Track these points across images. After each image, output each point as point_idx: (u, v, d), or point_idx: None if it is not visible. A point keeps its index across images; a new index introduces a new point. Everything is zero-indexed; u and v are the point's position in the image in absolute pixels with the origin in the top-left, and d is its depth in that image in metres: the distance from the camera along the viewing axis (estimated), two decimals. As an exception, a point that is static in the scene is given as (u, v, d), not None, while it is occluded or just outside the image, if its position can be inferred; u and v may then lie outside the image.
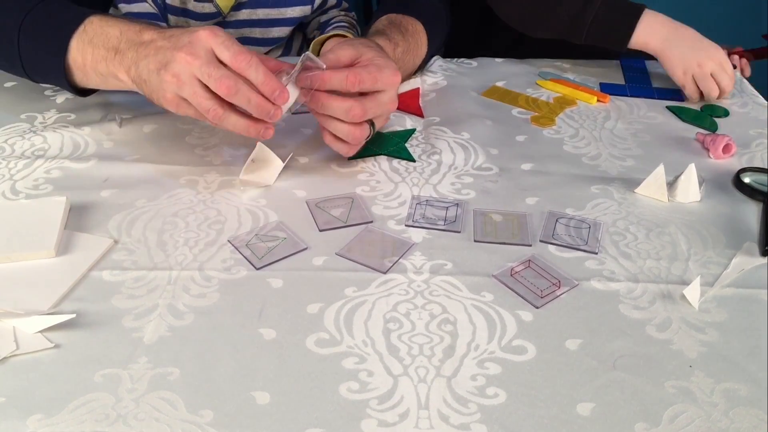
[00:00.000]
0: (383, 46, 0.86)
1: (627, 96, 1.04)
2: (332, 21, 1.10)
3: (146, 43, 0.73)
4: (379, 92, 0.77)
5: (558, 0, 1.04)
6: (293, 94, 0.74)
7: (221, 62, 0.70)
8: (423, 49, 0.99)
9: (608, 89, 1.05)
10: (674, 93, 1.04)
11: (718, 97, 1.01)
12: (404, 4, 1.00)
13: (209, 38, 0.69)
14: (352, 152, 0.80)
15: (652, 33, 1.01)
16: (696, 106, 1.00)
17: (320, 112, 0.76)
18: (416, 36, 0.97)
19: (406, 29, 0.95)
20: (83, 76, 0.80)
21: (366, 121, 0.77)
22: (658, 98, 1.03)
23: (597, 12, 1.02)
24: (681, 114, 0.98)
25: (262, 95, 0.71)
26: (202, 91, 0.70)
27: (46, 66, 0.81)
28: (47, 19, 0.80)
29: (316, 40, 0.96)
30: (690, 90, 1.01)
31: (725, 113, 0.99)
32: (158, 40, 0.72)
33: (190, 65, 0.69)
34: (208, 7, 1.02)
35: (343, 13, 1.14)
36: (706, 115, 0.98)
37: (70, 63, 0.78)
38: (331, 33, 0.98)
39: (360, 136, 0.77)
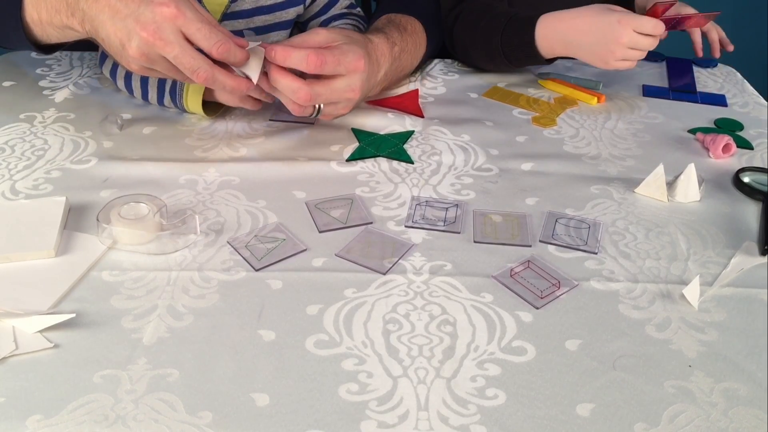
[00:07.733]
0: (379, 43, 0.85)
1: (669, 99, 1.02)
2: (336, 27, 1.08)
3: None
4: (336, 78, 0.77)
5: (476, 41, 1.03)
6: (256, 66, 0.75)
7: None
8: (422, 49, 0.99)
9: (651, 92, 1.04)
10: (720, 98, 1.03)
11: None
12: (404, 4, 0.99)
13: (176, 18, 0.68)
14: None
15: (553, 39, 0.95)
16: (710, 124, 0.97)
17: (271, 84, 0.77)
18: (415, 36, 0.96)
19: (404, 28, 0.94)
20: (42, 32, 0.78)
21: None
22: (702, 102, 1.02)
23: (501, 40, 0.99)
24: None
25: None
26: (168, 68, 0.71)
27: (5, 27, 0.78)
28: None
29: None
30: (622, 66, 0.94)
31: (740, 127, 0.95)
32: None
33: (158, 48, 0.69)
34: None
35: (346, 11, 1.12)
36: (736, 136, 0.92)
37: (27, 20, 0.76)
38: None
39: (298, 112, 0.79)
